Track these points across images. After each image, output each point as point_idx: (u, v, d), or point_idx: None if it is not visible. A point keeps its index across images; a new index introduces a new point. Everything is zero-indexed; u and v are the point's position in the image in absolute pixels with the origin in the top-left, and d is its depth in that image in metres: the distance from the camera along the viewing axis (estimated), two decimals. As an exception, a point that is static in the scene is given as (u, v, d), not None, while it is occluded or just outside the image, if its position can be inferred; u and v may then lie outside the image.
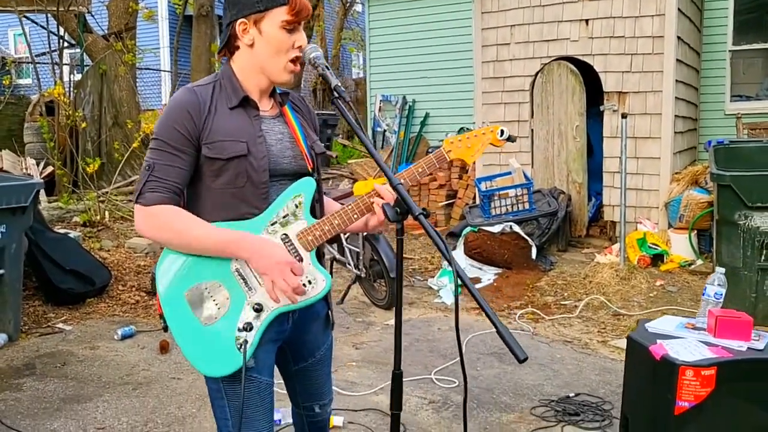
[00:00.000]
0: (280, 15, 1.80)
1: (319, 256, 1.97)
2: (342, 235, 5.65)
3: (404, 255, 7.00)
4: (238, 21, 1.83)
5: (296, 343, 2.04)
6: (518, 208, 6.59)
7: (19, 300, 4.68)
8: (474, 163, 7.86)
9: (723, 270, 2.60)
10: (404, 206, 1.76)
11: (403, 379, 1.90)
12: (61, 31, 8.80)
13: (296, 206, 1.85)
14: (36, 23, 9.10)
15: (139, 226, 1.80)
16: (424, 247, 7.43)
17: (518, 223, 6.42)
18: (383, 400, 3.77)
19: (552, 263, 6.41)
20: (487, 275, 6.24)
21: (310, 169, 1.94)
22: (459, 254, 6.40)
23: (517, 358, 1.56)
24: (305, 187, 1.88)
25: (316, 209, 1.96)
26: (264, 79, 1.88)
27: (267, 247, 1.78)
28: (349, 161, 10.82)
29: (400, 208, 1.78)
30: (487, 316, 1.61)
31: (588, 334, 4.90)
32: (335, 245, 5.85)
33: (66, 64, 8.84)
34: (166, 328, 1.83)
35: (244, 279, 1.81)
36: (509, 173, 6.83)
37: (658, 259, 6.20)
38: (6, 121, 9.11)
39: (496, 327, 1.58)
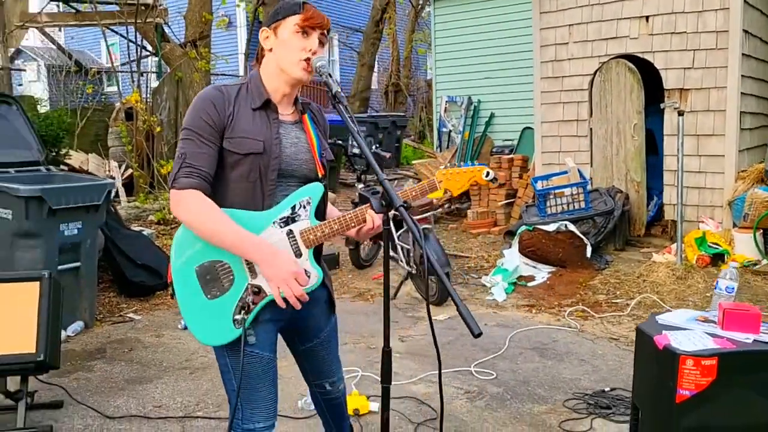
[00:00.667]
0: (293, 20, 2.06)
1: (318, 253, 2.15)
2: (394, 232, 5.85)
3: (461, 253, 7.10)
4: (262, 31, 2.12)
5: (299, 325, 2.25)
6: (574, 207, 6.60)
7: (94, 291, 5.11)
8: (534, 161, 7.90)
9: (736, 264, 2.62)
10: (388, 198, 1.92)
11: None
12: (142, 40, 9.38)
13: (304, 207, 2.07)
14: (119, 34, 9.73)
15: (173, 207, 2.02)
16: (481, 246, 7.52)
17: (574, 221, 6.43)
18: (420, 390, 3.93)
19: (607, 262, 6.38)
20: (541, 273, 6.28)
21: (320, 175, 2.16)
22: (513, 252, 6.46)
23: (471, 332, 1.71)
24: (314, 191, 2.10)
25: (323, 210, 2.17)
26: (284, 82, 2.10)
27: (277, 258, 1.97)
28: (414, 162, 10.99)
29: (385, 201, 1.95)
30: (449, 293, 1.76)
31: (635, 332, 4.89)
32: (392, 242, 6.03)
33: (144, 72, 9.42)
34: (173, 296, 2.07)
35: (248, 263, 2.02)
36: (565, 172, 6.85)
37: (718, 258, 6.07)
38: (93, 127, 9.79)
39: (454, 302, 1.74)
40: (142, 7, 8.52)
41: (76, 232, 4.75)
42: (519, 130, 9.73)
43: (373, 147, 6.75)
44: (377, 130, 13.58)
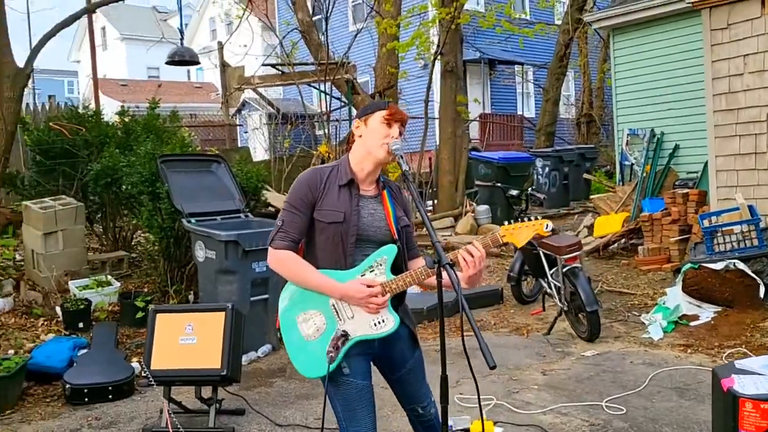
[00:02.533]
0: (381, 114, 2.62)
1: (396, 300, 2.62)
2: (547, 270, 6.13)
3: (627, 290, 7.16)
4: (355, 121, 2.69)
5: (386, 358, 2.72)
6: (745, 244, 6.38)
7: (280, 318, 6.01)
8: (708, 197, 7.68)
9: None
10: (438, 257, 2.39)
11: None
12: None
13: (380, 265, 2.57)
14: (317, 89, 11.02)
15: (269, 261, 2.61)
16: (650, 283, 7.46)
17: (744, 260, 6.22)
18: (548, 420, 4.23)
19: (784, 304, 6.08)
20: (706, 313, 6.16)
21: (394, 238, 2.63)
22: (676, 290, 6.39)
23: (487, 364, 2.12)
24: (389, 251, 2.58)
25: (401, 266, 2.64)
26: (370, 162, 2.63)
27: (349, 289, 2.50)
28: (592, 197, 10.96)
29: (437, 259, 2.41)
30: (468, 319, 2.18)
31: None
32: (546, 280, 6.30)
33: (335, 120, 10.55)
34: (281, 339, 2.66)
35: (337, 312, 2.56)
36: (736, 209, 6.63)
37: None
38: (296, 172, 11.11)
39: (474, 332, 2.16)
40: (333, 66, 9.66)
41: (264, 269, 5.67)
42: (704, 162, 9.37)
43: (529, 189, 7.06)
44: (562, 164, 13.69)
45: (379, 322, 2.54)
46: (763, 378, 2.61)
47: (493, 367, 2.18)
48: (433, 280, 2.57)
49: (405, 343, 2.75)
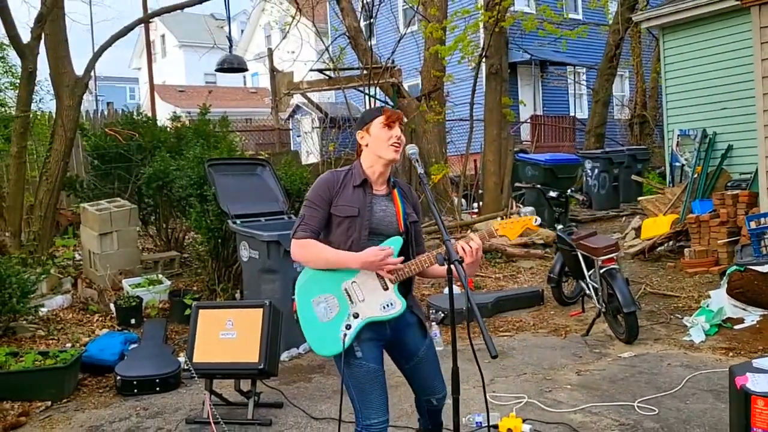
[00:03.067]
0: (379, 120, 2.88)
1: (403, 287, 2.86)
2: (586, 272, 6.14)
3: (671, 293, 7.10)
4: (358, 133, 2.95)
5: (398, 345, 2.95)
6: (792, 246, 6.24)
7: (321, 317, 6.18)
8: (757, 198, 7.53)
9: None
10: (449, 254, 2.50)
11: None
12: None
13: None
14: (364, 93, 11.21)
15: (292, 252, 2.89)
16: (695, 286, 7.34)
17: (792, 262, 6.09)
18: (577, 419, 4.26)
19: (832, 307, 5.92)
20: (752, 316, 6.05)
21: (401, 231, 2.89)
22: (721, 293, 6.29)
23: (489, 353, 2.22)
24: (395, 242, 2.84)
25: (408, 258, 2.87)
26: (379, 165, 2.89)
27: (362, 256, 2.76)
28: (640, 198, 10.81)
29: (447, 257, 2.53)
30: (471, 309, 2.28)
31: None
32: (585, 281, 6.29)
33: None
34: (297, 321, 2.89)
35: (349, 296, 2.80)
36: (784, 209, 6.49)
37: None
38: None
39: (478, 324, 2.26)
40: (379, 70, 9.82)
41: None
42: (756, 161, 9.15)
43: (569, 190, 7.05)
44: (611, 166, 13.51)
45: (388, 305, 2.78)
46: (778, 376, 2.62)
47: (494, 356, 2.29)
48: (435, 269, 2.84)
49: (415, 330, 2.98)
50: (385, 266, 2.75)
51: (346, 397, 2.93)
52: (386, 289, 2.79)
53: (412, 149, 2.89)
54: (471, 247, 2.74)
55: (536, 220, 2.81)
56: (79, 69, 7.78)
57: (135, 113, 9.03)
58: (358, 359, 2.78)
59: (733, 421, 2.71)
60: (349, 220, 2.82)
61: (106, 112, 11.58)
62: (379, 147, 2.84)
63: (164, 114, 10.39)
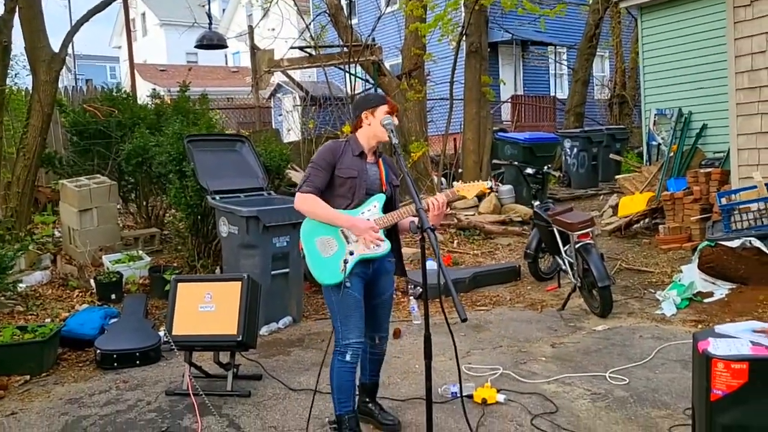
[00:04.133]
0: (383, 108, 3.49)
1: (389, 234, 3.47)
2: (562, 247, 6.24)
3: (646, 268, 7.23)
4: (363, 113, 3.52)
5: (374, 284, 3.57)
6: (762, 222, 6.38)
7: (301, 292, 6.24)
8: (729, 175, 7.67)
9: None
10: (421, 222, 2.58)
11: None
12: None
13: (374, 206, 3.47)
14: (344, 70, 11.19)
15: (297, 203, 3.43)
16: (669, 262, 7.49)
17: (761, 238, 6.23)
18: (551, 389, 4.37)
19: (799, 281, 6.08)
20: (721, 290, 6.20)
21: (384, 190, 3.54)
22: (692, 268, 6.44)
23: (459, 316, 2.30)
24: (379, 198, 3.51)
25: (390, 209, 3.49)
26: (373, 141, 3.53)
27: (356, 222, 3.38)
28: (618, 177, 10.95)
29: (420, 224, 2.61)
30: (444, 279, 2.36)
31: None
32: (560, 257, 6.40)
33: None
34: (304, 258, 3.44)
35: (345, 237, 3.42)
36: (754, 187, 6.63)
37: None
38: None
39: (450, 291, 2.34)
40: (359, 48, 9.79)
41: (285, 244, 5.90)
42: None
43: (546, 167, 7.12)
44: (590, 145, 13.64)
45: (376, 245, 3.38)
46: (737, 341, 2.73)
47: (464, 320, 2.37)
48: (405, 223, 3.47)
49: (388, 278, 3.64)
50: (366, 237, 3.31)
51: (325, 369, 3.51)
52: (375, 231, 3.37)
53: (387, 120, 3.39)
54: (435, 203, 3.30)
55: (488, 184, 3.42)
56: (56, 46, 7.71)
57: (115, 90, 8.95)
58: (348, 288, 3.38)
59: (695, 383, 2.82)
60: (351, 181, 3.42)
61: (85, 89, 11.46)
62: (379, 130, 3.43)
63: (145, 92, 10.31)
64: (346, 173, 3.43)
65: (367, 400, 3.95)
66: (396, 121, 3.44)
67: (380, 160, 3.60)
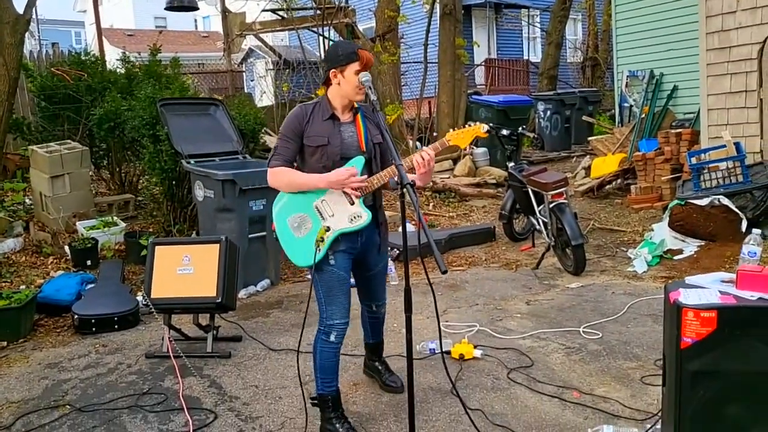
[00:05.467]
0: (354, 67, 3.10)
1: (368, 203, 3.19)
2: (536, 207, 6.32)
3: (618, 227, 7.36)
4: (331, 71, 3.16)
5: (364, 259, 3.37)
6: (730, 180, 6.52)
7: (278, 255, 6.24)
8: (699, 135, 7.79)
9: (759, 231, 2.88)
10: (401, 178, 2.60)
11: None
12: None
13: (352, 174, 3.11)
14: (318, 33, 11.06)
15: (269, 179, 3.18)
16: (641, 221, 7.63)
17: (729, 196, 6.37)
18: (526, 344, 4.47)
19: (765, 237, 6.24)
20: (690, 247, 6.35)
21: (362, 152, 3.19)
22: (663, 226, 6.57)
23: (439, 268, 2.34)
24: (357, 162, 3.16)
25: (373, 173, 3.18)
26: (345, 100, 3.21)
27: (330, 175, 3.08)
28: (590, 138, 11.05)
29: (399, 181, 2.62)
30: (425, 233, 2.39)
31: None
32: (535, 217, 6.48)
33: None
34: (277, 239, 3.23)
35: (320, 212, 3.14)
36: (723, 146, 6.75)
37: None
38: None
39: (429, 242, 2.37)
40: (332, 10, 9.68)
41: (261, 207, 5.89)
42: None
43: (520, 128, 7.17)
44: (563, 107, 13.71)
45: (356, 217, 3.11)
46: (706, 291, 2.81)
47: (444, 272, 2.40)
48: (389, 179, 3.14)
49: (375, 249, 3.42)
50: (350, 184, 3.05)
51: (307, 329, 3.30)
52: (352, 203, 3.12)
53: (365, 77, 3.09)
54: (423, 158, 3.02)
55: (484, 127, 3.05)
56: (20, 7, 7.50)
57: (83, 54, 8.76)
58: (331, 266, 3.14)
59: (666, 333, 2.90)
60: (321, 149, 3.11)
61: (51, 53, 11.19)
62: (349, 91, 3.12)
63: (114, 58, 10.09)
64: (315, 141, 3.13)
65: (374, 357, 3.92)
66: (368, 74, 3.10)
67: (358, 116, 3.24)
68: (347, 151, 3.15)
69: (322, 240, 3.05)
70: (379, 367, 3.90)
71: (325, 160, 3.12)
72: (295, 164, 3.21)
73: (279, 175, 3.14)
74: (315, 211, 3.13)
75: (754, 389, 2.67)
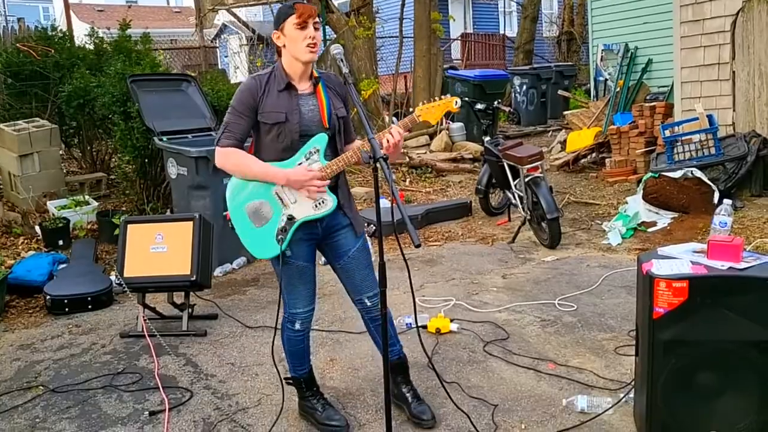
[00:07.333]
0: (291, 21, 2.74)
1: (333, 185, 2.89)
2: (512, 181, 6.33)
3: (593, 201, 7.40)
4: (274, 35, 2.83)
5: (330, 245, 3.01)
6: (703, 153, 6.58)
7: (254, 232, 6.20)
8: (673, 108, 7.83)
9: (730, 201, 2.91)
10: (374, 152, 2.56)
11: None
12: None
13: (314, 153, 2.83)
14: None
15: (216, 160, 2.84)
16: (615, 194, 7.69)
17: (702, 168, 6.43)
18: (502, 317, 4.50)
19: (736, 207, 6.32)
20: (663, 219, 6.41)
21: (326, 128, 2.86)
22: (637, 199, 6.62)
23: (413, 242, 2.32)
24: (319, 140, 2.83)
25: (338, 152, 2.89)
26: (298, 65, 2.81)
27: (294, 175, 2.77)
28: (566, 113, 11.08)
29: (372, 154, 2.58)
30: (398, 207, 2.36)
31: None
32: (511, 191, 6.49)
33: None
34: (233, 228, 2.90)
35: (281, 199, 2.83)
36: (696, 119, 6.79)
37: None
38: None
39: (402, 217, 2.35)
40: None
41: (236, 184, 5.83)
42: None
43: (496, 102, 7.15)
44: (539, 82, 13.72)
45: (320, 203, 2.84)
46: (678, 261, 2.84)
47: (418, 245, 2.37)
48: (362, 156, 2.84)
49: (347, 231, 3.02)
50: (309, 188, 2.77)
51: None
52: None
53: (336, 49, 2.86)
54: (393, 136, 2.75)
55: (457, 102, 2.80)
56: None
57: (50, 29, 8.54)
58: (288, 257, 2.88)
59: (639, 304, 2.94)
60: (278, 127, 2.78)
61: (17, 28, 10.91)
62: (294, 48, 2.76)
63: (81, 33, 9.86)
64: (272, 117, 2.77)
65: (400, 379, 3.25)
66: (319, 36, 2.79)
67: (319, 86, 2.87)
68: (308, 128, 2.81)
69: (285, 231, 2.80)
70: (406, 394, 3.23)
71: (283, 138, 2.78)
72: (251, 138, 2.91)
73: (230, 158, 2.79)
74: (275, 197, 2.82)
75: (724, 358, 2.71)
